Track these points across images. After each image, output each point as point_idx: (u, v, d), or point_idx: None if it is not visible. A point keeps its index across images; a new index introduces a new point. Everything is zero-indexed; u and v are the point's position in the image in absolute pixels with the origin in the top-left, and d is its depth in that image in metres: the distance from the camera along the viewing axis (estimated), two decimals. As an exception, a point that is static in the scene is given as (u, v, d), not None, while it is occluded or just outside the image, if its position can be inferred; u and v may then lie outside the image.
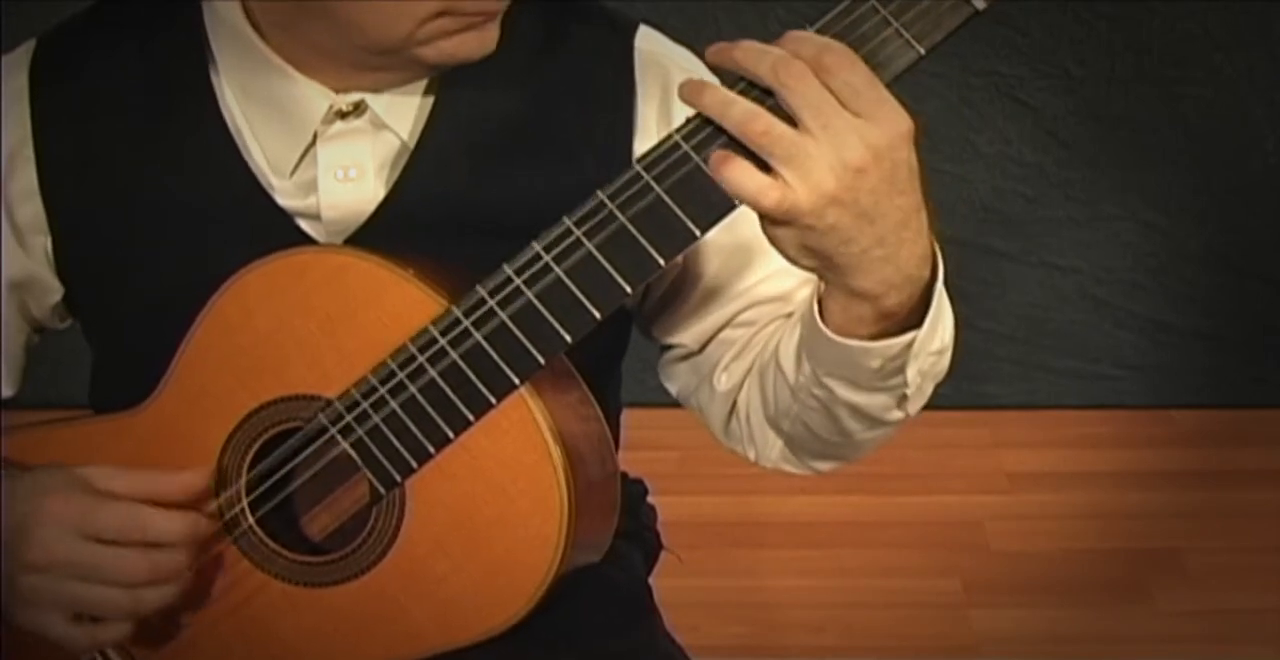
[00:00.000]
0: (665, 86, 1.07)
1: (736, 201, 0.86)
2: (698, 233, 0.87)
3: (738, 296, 1.09)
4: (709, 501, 2.53)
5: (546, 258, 0.90)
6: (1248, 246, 2.75)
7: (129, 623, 0.99)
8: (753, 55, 0.83)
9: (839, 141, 0.81)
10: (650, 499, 1.28)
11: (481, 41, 0.98)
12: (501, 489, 0.94)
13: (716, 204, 0.86)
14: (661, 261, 0.88)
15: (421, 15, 0.95)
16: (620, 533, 1.03)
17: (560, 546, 0.93)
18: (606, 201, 0.88)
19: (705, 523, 2.44)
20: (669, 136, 0.87)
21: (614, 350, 1.15)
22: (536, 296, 0.90)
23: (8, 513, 0.97)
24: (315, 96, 1.02)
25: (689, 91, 0.85)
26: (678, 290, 1.11)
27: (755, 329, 1.08)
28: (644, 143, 1.06)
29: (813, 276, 0.94)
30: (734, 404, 1.09)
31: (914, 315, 0.91)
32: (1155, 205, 2.73)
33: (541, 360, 0.91)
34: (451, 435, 0.93)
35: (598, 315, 0.90)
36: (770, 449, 1.08)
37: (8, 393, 1.13)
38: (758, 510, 2.53)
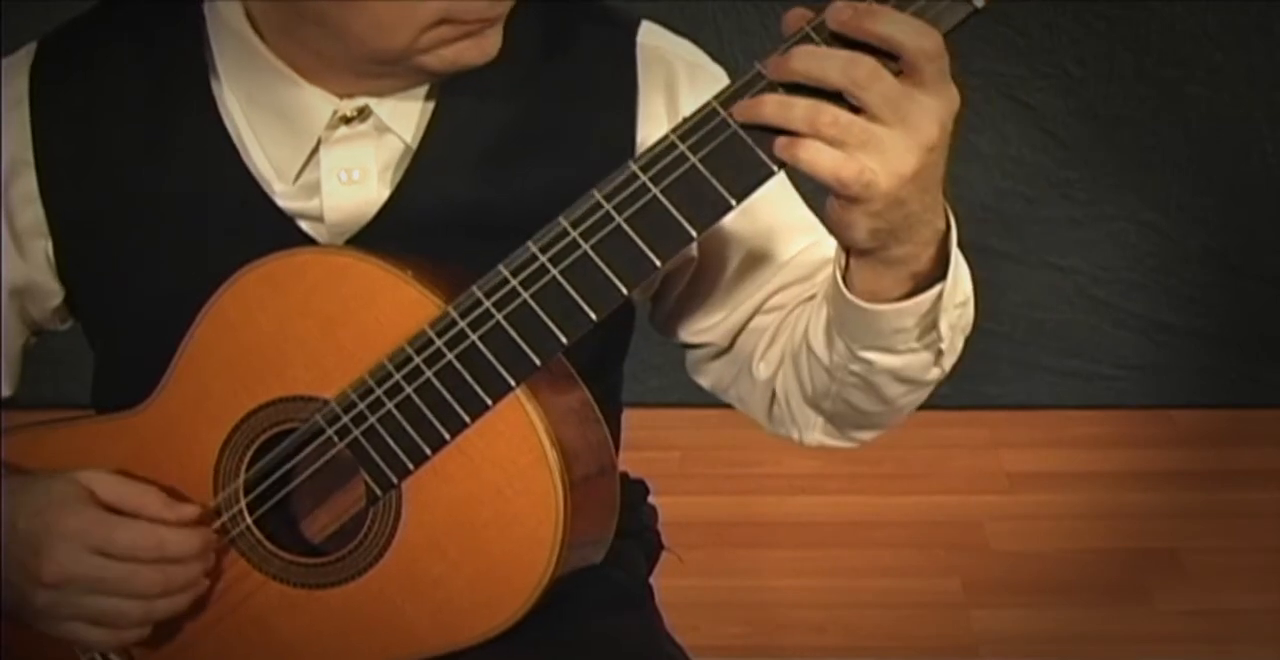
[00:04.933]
0: (670, 81, 1.07)
1: (733, 202, 0.86)
2: (694, 233, 0.87)
3: (765, 282, 1.09)
4: (709, 501, 2.52)
5: (543, 258, 0.89)
6: (1247, 246, 2.75)
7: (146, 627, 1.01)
8: (815, 61, 0.83)
9: (915, 127, 0.83)
10: (650, 499, 1.28)
11: (483, 48, 0.99)
12: (498, 490, 0.93)
13: (713, 204, 0.86)
14: (658, 263, 0.88)
15: (422, 24, 0.95)
16: (621, 533, 1.03)
17: (556, 547, 0.93)
18: (603, 202, 0.88)
19: (705, 523, 2.44)
20: (665, 137, 0.87)
21: (615, 351, 1.15)
22: (533, 297, 0.90)
23: (13, 525, 0.98)
24: (319, 103, 1.02)
25: (745, 107, 0.84)
26: (701, 285, 1.10)
27: (785, 312, 1.09)
28: (650, 140, 1.06)
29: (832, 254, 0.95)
30: (773, 390, 1.09)
31: (935, 270, 0.92)
32: (1155, 205, 2.72)
33: (538, 361, 0.91)
34: (448, 437, 0.93)
35: (594, 316, 0.90)
36: (812, 428, 1.08)
37: (6, 393, 1.13)
38: (758, 510, 2.53)
